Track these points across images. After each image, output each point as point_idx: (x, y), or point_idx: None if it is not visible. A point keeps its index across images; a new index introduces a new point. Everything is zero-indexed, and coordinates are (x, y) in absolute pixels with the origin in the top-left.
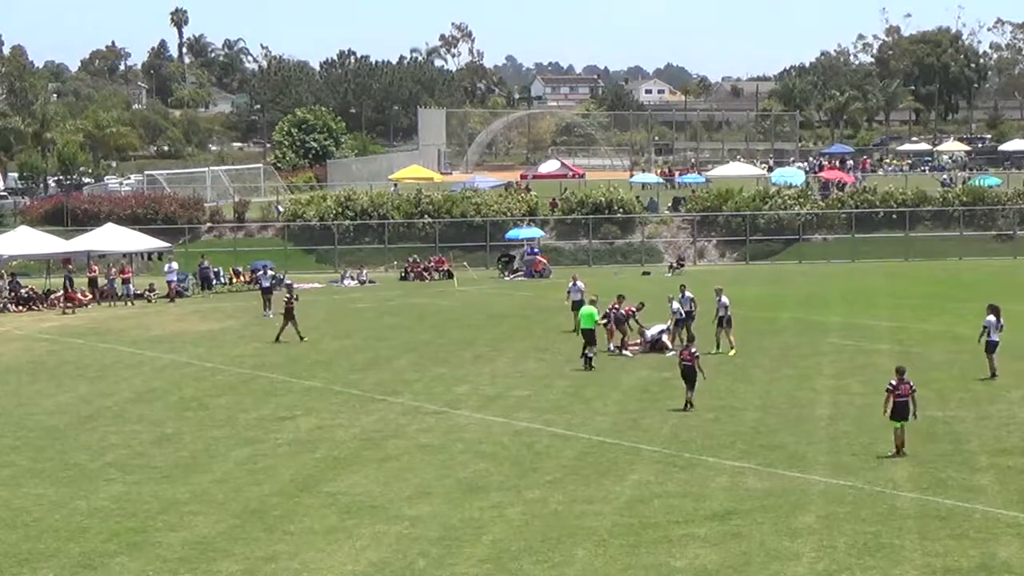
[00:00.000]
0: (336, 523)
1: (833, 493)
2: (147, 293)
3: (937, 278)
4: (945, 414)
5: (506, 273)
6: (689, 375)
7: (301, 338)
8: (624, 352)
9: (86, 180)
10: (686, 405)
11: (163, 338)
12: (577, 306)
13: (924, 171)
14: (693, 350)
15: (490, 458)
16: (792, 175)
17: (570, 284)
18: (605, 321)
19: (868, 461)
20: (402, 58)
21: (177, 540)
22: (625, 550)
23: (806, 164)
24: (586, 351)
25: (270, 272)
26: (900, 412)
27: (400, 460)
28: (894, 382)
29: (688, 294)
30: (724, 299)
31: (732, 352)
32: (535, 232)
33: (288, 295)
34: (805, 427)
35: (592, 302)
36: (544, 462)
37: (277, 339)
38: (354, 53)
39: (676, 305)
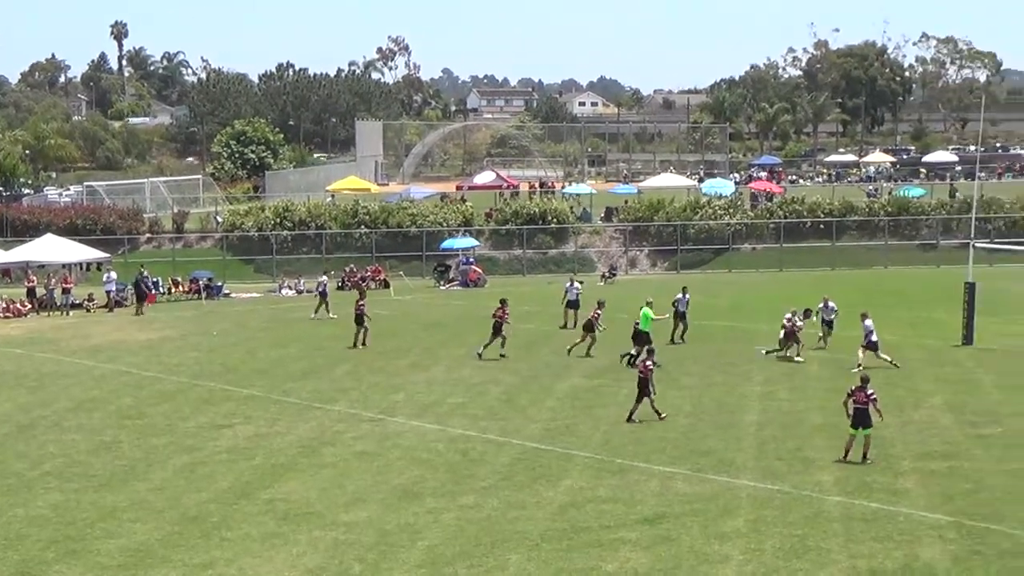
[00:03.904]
0: (273, 529)
1: (761, 497)
2: (86, 303)
3: (863, 286)
4: None
5: (442, 283)
6: (642, 387)
7: (364, 344)
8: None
9: (25, 191)
10: (631, 415)
11: (102, 347)
12: (572, 305)
13: (851, 182)
14: (649, 363)
15: (425, 464)
16: (722, 186)
17: (567, 284)
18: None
19: (795, 466)
20: (340, 71)
21: (115, 547)
22: (558, 554)
23: (736, 175)
24: (632, 352)
25: (325, 280)
26: (859, 419)
27: (336, 467)
28: (853, 388)
29: (687, 296)
30: (832, 304)
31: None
32: (470, 242)
33: (360, 301)
34: (734, 433)
35: (648, 304)
36: (478, 468)
37: (354, 344)
38: (292, 66)
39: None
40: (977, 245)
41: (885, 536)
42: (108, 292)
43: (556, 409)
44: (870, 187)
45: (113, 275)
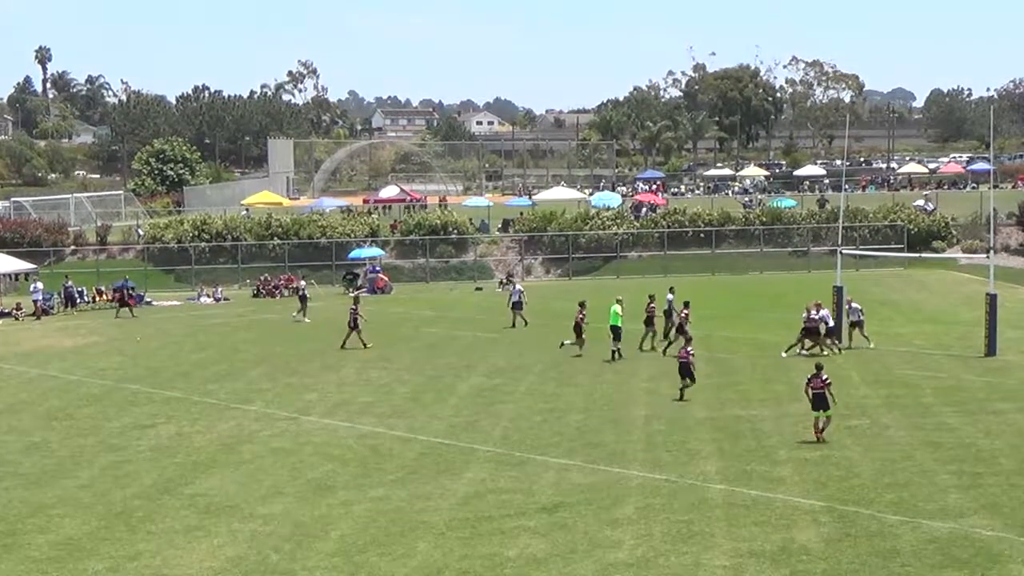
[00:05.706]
0: (195, 522)
1: (650, 486)
2: (14, 312)
3: (740, 291)
4: (748, 413)
5: (351, 290)
6: (684, 371)
7: (365, 345)
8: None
9: None
10: (681, 395)
11: (30, 353)
12: (516, 306)
13: (728, 194)
14: (689, 349)
15: (337, 460)
16: (610, 198)
17: (511, 287)
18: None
19: (680, 456)
20: (252, 92)
21: (46, 541)
22: (462, 542)
23: (623, 188)
24: (612, 345)
25: (304, 284)
26: (818, 403)
27: (254, 463)
28: (810, 375)
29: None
30: (855, 305)
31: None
32: (376, 252)
33: (353, 306)
34: (624, 426)
35: (619, 301)
36: (387, 462)
37: (343, 346)
38: (208, 88)
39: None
40: (844, 252)
41: (764, 521)
42: (35, 301)
43: (459, 407)
44: (746, 199)
45: (40, 285)
